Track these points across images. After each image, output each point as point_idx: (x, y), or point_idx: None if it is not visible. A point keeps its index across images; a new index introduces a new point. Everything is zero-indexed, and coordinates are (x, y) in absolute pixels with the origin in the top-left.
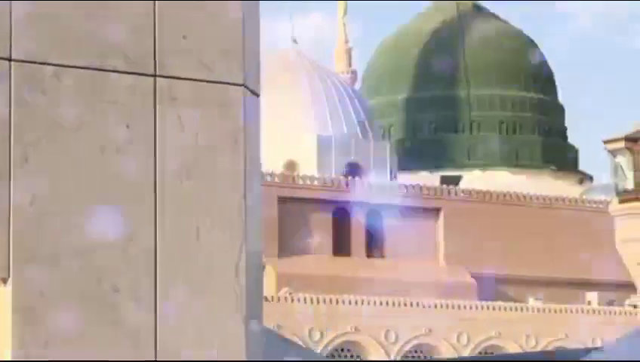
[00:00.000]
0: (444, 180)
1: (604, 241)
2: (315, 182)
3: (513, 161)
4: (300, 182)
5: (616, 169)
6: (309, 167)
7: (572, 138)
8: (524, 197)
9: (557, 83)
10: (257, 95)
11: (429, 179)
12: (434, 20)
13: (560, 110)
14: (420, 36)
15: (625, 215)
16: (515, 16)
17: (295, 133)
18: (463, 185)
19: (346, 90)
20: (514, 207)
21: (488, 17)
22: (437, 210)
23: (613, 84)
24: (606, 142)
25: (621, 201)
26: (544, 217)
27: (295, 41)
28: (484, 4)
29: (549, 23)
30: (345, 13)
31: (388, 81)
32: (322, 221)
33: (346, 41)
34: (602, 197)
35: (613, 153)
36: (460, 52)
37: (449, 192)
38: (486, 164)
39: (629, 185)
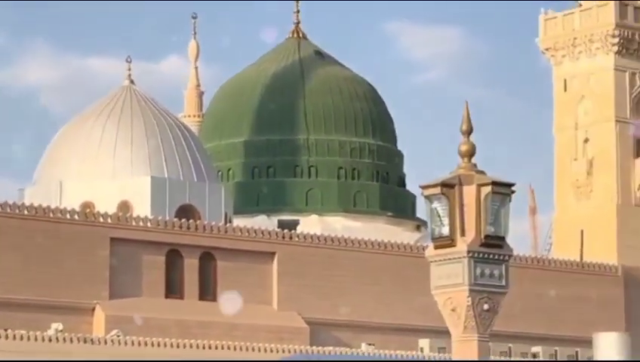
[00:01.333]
0: (282, 224)
1: None
2: (149, 224)
3: (350, 206)
4: (133, 223)
5: (433, 214)
6: (142, 209)
7: (410, 185)
8: (359, 242)
9: (396, 130)
10: None
11: (267, 223)
12: (275, 64)
13: (399, 157)
14: (262, 80)
15: (440, 261)
16: (360, 64)
17: (129, 174)
18: (300, 229)
19: (182, 133)
20: (349, 252)
21: (330, 63)
22: (271, 254)
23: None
24: (423, 187)
25: (436, 247)
26: (379, 263)
27: (132, 82)
28: (326, 49)
29: (396, 72)
30: (197, 57)
31: (228, 124)
32: (155, 263)
33: (198, 85)
34: None
35: (430, 199)
36: (300, 97)
37: (284, 236)
38: (323, 209)
39: (445, 231)
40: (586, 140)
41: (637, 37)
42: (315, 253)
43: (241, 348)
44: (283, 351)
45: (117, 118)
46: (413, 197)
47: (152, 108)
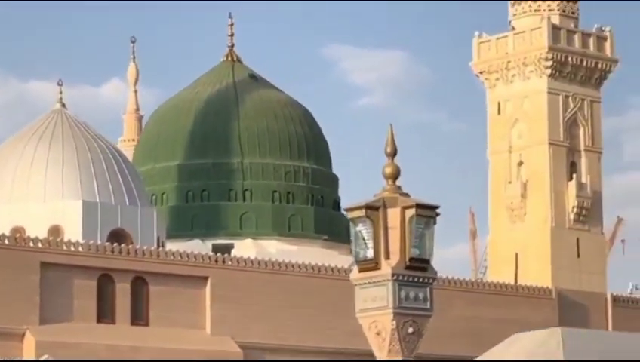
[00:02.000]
0: (216, 249)
1: None
2: (80, 248)
3: (285, 230)
4: (64, 247)
5: (357, 237)
6: (73, 233)
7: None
8: (293, 266)
9: (333, 154)
10: None
11: (201, 247)
12: (210, 87)
13: (334, 180)
14: (196, 103)
15: (365, 284)
16: (299, 89)
17: (60, 198)
18: (234, 253)
19: (114, 156)
20: (283, 275)
21: (264, 86)
22: (204, 279)
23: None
24: (347, 210)
25: (361, 270)
26: (313, 286)
27: (64, 105)
28: (261, 73)
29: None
30: (136, 80)
31: (162, 147)
32: (86, 287)
33: (137, 109)
34: None
35: (355, 221)
36: (234, 120)
37: (217, 260)
38: (258, 233)
39: (369, 254)
40: (520, 163)
41: (570, 60)
42: (248, 277)
43: None
44: None
45: (48, 141)
46: (348, 221)
47: (83, 132)
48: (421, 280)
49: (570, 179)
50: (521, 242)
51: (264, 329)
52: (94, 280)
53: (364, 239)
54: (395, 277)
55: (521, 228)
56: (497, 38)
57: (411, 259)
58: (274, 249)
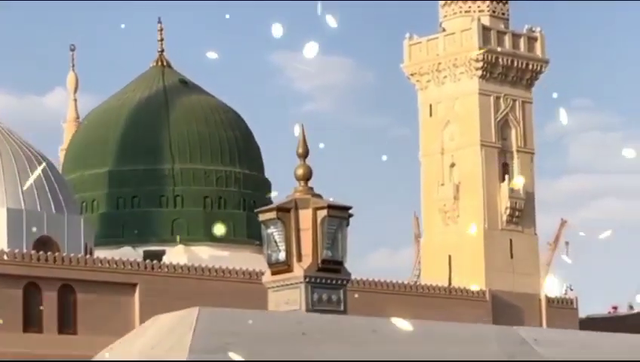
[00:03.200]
0: (147, 255)
1: None
2: (5, 257)
3: (216, 235)
4: None
5: (269, 240)
6: None
7: None
8: (224, 271)
9: (263, 158)
10: None
11: (132, 253)
12: (139, 93)
13: (266, 185)
14: (125, 109)
15: (277, 287)
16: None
17: None
18: (166, 260)
19: (40, 163)
20: (214, 281)
21: (195, 91)
22: (133, 285)
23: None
24: (258, 212)
25: (273, 273)
26: (245, 292)
27: None
28: (191, 77)
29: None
30: (76, 88)
31: (92, 153)
32: (12, 296)
33: (77, 117)
34: None
35: (266, 224)
36: (164, 125)
37: (146, 267)
38: (190, 239)
39: (282, 256)
40: (452, 165)
41: (501, 61)
42: (179, 283)
43: None
44: None
45: None
46: None
47: (7, 138)
48: (334, 282)
49: (503, 180)
50: (454, 244)
51: None
52: (20, 289)
53: (275, 241)
54: (307, 280)
55: (454, 230)
56: (428, 40)
57: (324, 261)
58: (206, 255)
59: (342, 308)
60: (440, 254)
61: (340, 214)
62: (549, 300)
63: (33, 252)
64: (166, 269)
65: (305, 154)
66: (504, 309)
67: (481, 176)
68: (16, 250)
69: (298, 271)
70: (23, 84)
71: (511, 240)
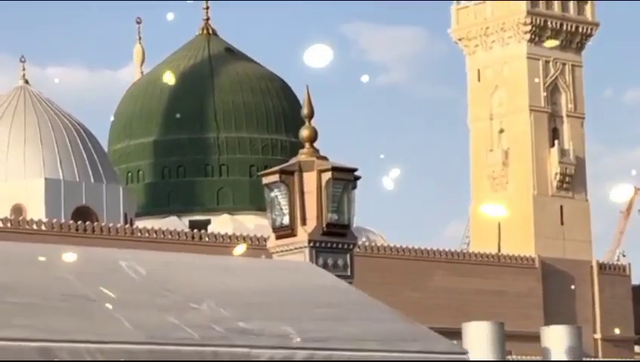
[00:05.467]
0: (193, 225)
1: None
2: (43, 227)
3: (263, 204)
4: (27, 226)
5: (273, 204)
6: (36, 212)
7: None
8: (266, 239)
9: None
10: None
11: (178, 224)
12: (184, 62)
13: None
14: (171, 77)
15: (282, 252)
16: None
17: (22, 177)
18: (211, 229)
19: (79, 133)
20: (261, 251)
21: (241, 60)
22: None
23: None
24: (261, 175)
25: (277, 237)
26: None
27: (27, 82)
28: (238, 46)
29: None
30: (143, 61)
31: (137, 124)
32: None
33: None
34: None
35: (270, 187)
36: (209, 94)
37: (193, 237)
38: (235, 208)
39: (286, 220)
40: (501, 131)
41: (549, 24)
42: (222, 253)
43: None
44: None
45: (10, 119)
46: None
47: (47, 109)
48: (340, 246)
49: (553, 145)
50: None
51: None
52: None
53: (280, 205)
54: (311, 244)
55: (503, 197)
56: (475, 4)
57: (329, 225)
58: (252, 224)
59: (349, 272)
60: (489, 221)
61: (345, 176)
62: (600, 266)
63: (72, 222)
64: (213, 239)
65: (310, 115)
66: (554, 276)
67: (530, 141)
68: (54, 220)
69: (302, 235)
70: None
71: (561, 207)
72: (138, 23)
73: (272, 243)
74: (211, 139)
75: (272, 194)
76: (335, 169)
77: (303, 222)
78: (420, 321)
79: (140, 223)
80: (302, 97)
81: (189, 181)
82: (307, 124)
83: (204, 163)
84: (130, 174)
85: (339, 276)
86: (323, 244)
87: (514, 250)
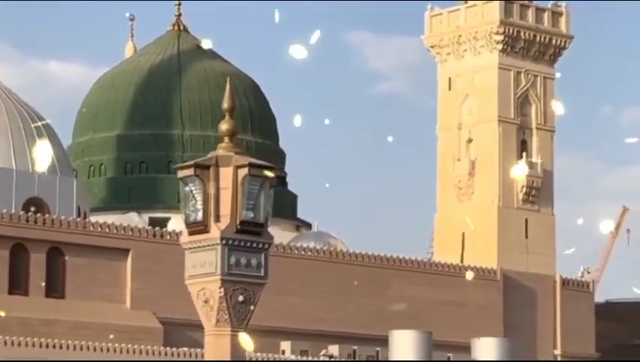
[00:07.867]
0: (152, 222)
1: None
2: None
3: None
4: None
5: (187, 198)
6: None
7: (292, 185)
8: None
9: (279, 128)
10: None
11: (138, 220)
12: (153, 57)
13: (280, 155)
14: (137, 73)
15: (194, 248)
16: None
17: None
18: (171, 227)
19: (37, 123)
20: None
21: (210, 57)
22: (126, 251)
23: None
24: (177, 168)
25: (190, 233)
26: None
27: None
28: (208, 43)
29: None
30: None
31: (102, 117)
32: None
33: None
34: (312, 244)
35: (185, 181)
36: (176, 91)
37: (140, 232)
38: None
39: (200, 216)
40: (470, 140)
41: (522, 35)
42: (171, 251)
43: (88, 348)
44: (134, 352)
45: None
46: (294, 197)
47: (4, 98)
48: (254, 245)
49: (520, 157)
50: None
51: (186, 304)
52: (7, 250)
53: (194, 200)
54: (224, 242)
55: (468, 207)
56: (449, 12)
57: (243, 223)
58: None
59: (262, 272)
60: (454, 231)
61: (262, 174)
62: (563, 282)
63: (22, 212)
64: (159, 236)
65: (231, 109)
66: (516, 289)
67: (498, 152)
68: (4, 210)
69: (215, 231)
70: (97, 56)
71: (526, 220)
72: (131, 19)
73: (184, 238)
74: (175, 135)
75: (187, 189)
76: (252, 165)
77: (217, 218)
78: (373, 329)
79: (100, 218)
80: (269, 97)
81: (151, 177)
82: (227, 118)
83: (168, 160)
84: (92, 168)
85: (252, 276)
86: (236, 242)
87: (477, 261)
